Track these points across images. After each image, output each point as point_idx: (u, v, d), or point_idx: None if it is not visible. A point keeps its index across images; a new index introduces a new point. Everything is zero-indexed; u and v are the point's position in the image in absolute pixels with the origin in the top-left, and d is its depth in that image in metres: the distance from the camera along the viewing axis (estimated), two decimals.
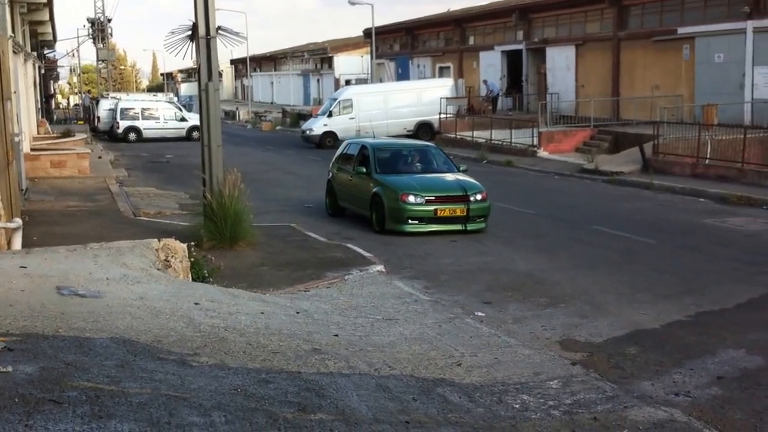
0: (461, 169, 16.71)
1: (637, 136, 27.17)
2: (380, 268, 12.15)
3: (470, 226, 15.19)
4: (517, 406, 6.84)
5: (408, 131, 37.61)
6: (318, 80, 70.43)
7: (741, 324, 9.52)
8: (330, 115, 37.64)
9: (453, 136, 35.17)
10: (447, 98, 38.06)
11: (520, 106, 40.82)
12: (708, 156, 23.45)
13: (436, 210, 15.05)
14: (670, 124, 25.85)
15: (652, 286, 11.36)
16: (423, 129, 37.67)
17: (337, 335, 8.49)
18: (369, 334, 8.74)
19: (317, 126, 37.81)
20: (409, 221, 15.01)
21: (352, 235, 15.35)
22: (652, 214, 17.90)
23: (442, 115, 37.42)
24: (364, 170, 16.20)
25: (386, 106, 37.48)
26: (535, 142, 30.40)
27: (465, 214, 15.10)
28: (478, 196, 15.29)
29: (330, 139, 37.00)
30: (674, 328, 9.37)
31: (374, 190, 15.66)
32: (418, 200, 15.06)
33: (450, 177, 16.16)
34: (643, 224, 16.46)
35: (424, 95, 38.28)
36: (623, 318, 9.73)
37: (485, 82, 42.02)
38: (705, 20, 30.43)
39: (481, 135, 33.38)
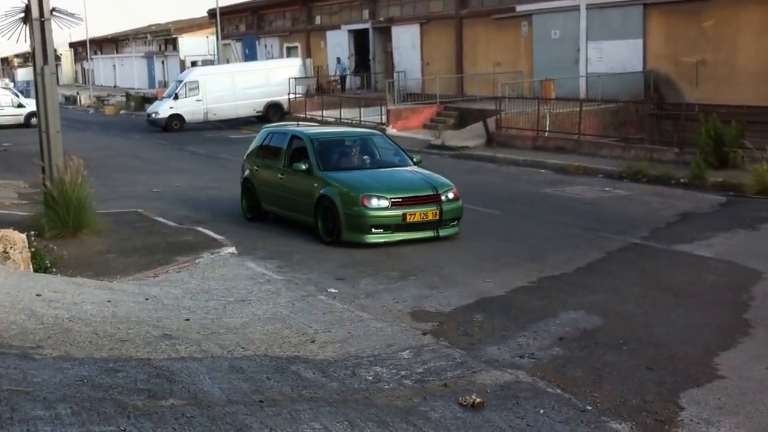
0: (415, 160, 14.20)
1: (481, 112, 27.94)
2: (232, 250, 12.03)
3: (443, 232, 12.69)
4: (371, 377, 6.98)
5: (258, 112, 37.36)
6: (163, 62, 68.49)
7: (580, 287, 10.04)
8: (176, 97, 36.78)
9: (303, 116, 35.03)
10: (296, 78, 37.90)
11: (368, 85, 41.18)
12: (547, 129, 24.45)
13: (404, 214, 12.38)
14: (512, 99, 26.74)
15: (498, 255, 11.79)
16: (273, 110, 37.41)
17: (188, 319, 8.38)
18: (221, 317, 8.68)
19: (163, 109, 36.90)
20: (373, 230, 12.38)
21: (203, 218, 15.11)
22: (497, 186, 18.52)
23: (292, 96, 37.27)
24: (304, 167, 13.25)
25: (234, 87, 36.96)
26: (384, 119, 30.77)
27: (438, 217, 12.55)
28: (450, 195, 12.76)
29: (177, 122, 36.36)
30: (518, 294, 9.77)
31: (321, 191, 12.83)
32: (383, 203, 12.35)
33: (410, 172, 13.56)
34: (489, 196, 17.00)
35: (273, 76, 37.97)
36: (471, 287, 10.05)
37: (338, 60, 42.14)
38: None
39: (330, 114, 33.45)
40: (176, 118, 36.46)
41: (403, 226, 12.45)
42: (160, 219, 14.68)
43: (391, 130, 30.29)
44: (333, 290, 10.03)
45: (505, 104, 26.25)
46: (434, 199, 12.60)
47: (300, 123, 18.04)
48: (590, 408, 6.39)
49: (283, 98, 37.45)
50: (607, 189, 17.56)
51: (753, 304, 9.16)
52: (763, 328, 8.29)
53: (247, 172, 15.30)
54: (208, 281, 10.39)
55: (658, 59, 27.03)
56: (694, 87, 25.48)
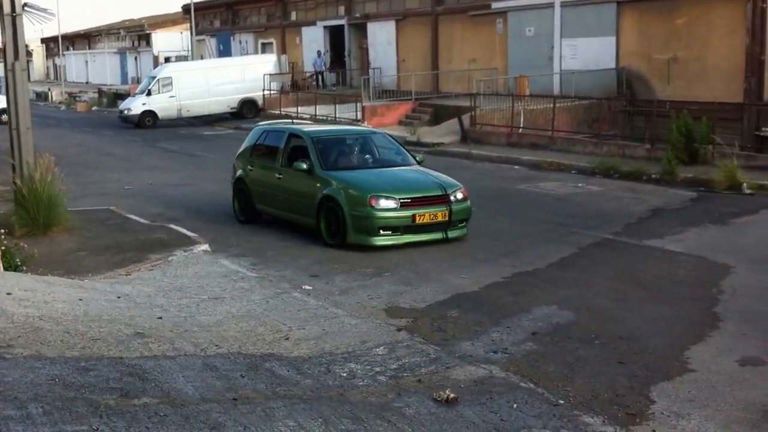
0: (418, 159, 13.70)
1: (456, 108, 28.01)
2: (205, 247, 11.97)
3: (452, 234, 12.23)
4: (345, 374, 6.99)
5: (232, 109, 37.26)
6: (136, 58, 68.05)
7: (553, 282, 10.10)
8: (149, 93, 36.54)
9: (277, 112, 34.96)
10: (271, 74, 37.78)
11: (344, 81, 41.13)
12: (521, 125, 24.56)
13: (414, 216, 11.88)
14: (486, 96, 26.83)
15: (472, 251, 11.83)
16: (247, 106, 37.34)
17: (161, 318, 8.35)
18: (194, 315, 8.65)
19: (135, 105, 36.64)
20: (381, 232, 11.88)
21: (176, 215, 15.02)
22: (472, 183, 18.42)
23: (266, 92, 37.15)
24: (305, 166, 12.69)
25: (208, 83, 36.78)
26: (359, 116, 30.76)
27: (447, 218, 12.07)
28: (459, 195, 12.32)
29: (149, 118, 36.14)
30: (492, 289, 9.81)
31: (324, 192, 12.29)
32: (391, 204, 11.83)
33: (416, 171, 13.06)
34: None
35: (248, 72, 37.81)
36: (445, 283, 10.08)
37: (319, 53, 42.09)
38: None
39: (305, 111, 33.37)
40: (149, 114, 36.24)
41: (411, 227, 11.95)
42: (132, 216, 14.57)
43: (366, 127, 30.29)
44: (307, 287, 10.02)
45: (480, 101, 26.33)
46: (443, 200, 12.13)
47: (294, 121, 17.25)
48: (562, 402, 6.45)
49: (257, 94, 37.33)
50: (580, 185, 17.67)
51: (722, 298, 9.27)
52: (733, 322, 8.39)
53: (239, 172, 14.53)
54: (181, 279, 10.34)
55: (630, 56, 27.24)
56: (666, 84, 25.72)
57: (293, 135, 13.68)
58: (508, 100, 25.29)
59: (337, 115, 31.48)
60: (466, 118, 26.09)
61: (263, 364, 7.12)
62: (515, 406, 6.35)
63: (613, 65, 27.66)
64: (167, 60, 55.18)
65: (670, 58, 25.66)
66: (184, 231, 13.11)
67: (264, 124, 15.82)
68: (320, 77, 41.36)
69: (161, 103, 36.29)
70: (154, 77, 37.74)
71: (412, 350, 7.66)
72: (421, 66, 35.84)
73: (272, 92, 37.22)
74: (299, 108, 33.96)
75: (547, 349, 7.72)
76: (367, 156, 13.50)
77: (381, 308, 9.14)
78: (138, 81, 54.51)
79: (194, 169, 22.03)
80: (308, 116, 32.50)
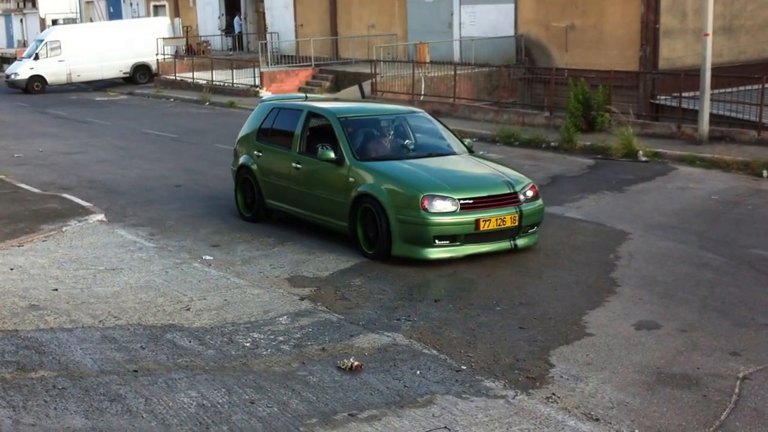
0: (466, 144, 11.27)
1: (356, 75, 27.89)
2: (101, 217, 11.64)
3: (521, 242, 9.86)
4: (248, 344, 6.94)
5: (124, 73, 36.29)
6: (22, 20, 65.18)
7: None
8: (37, 57, 35.14)
9: (172, 77, 34.15)
10: (164, 38, 36.77)
11: (241, 46, 40.44)
12: (422, 92, 24.63)
13: (477, 221, 9.45)
14: (387, 62, 26.79)
15: None
16: (140, 71, 36.40)
17: (56, 289, 8.12)
18: (91, 286, 8.44)
19: (23, 70, 35.22)
20: (436, 242, 9.46)
21: (69, 184, 14.54)
22: None
23: (160, 56, 36.15)
24: (333, 155, 10.27)
25: (99, 47, 35.55)
26: (258, 82, 30.31)
27: (517, 223, 9.68)
28: (529, 193, 9.97)
29: (38, 83, 34.87)
30: (395, 258, 9.77)
31: (361, 189, 9.88)
32: (449, 206, 9.42)
33: (472, 162, 10.71)
34: None
35: (140, 35, 36.68)
36: (349, 252, 10.04)
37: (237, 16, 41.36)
38: None
39: (201, 76, 32.69)
40: (37, 79, 34.92)
41: (473, 236, 9.53)
42: (24, 185, 14.06)
43: (265, 93, 29.86)
44: (208, 257, 9.85)
45: (381, 67, 26.28)
46: (512, 200, 9.76)
47: (308, 96, 14.07)
48: (465, 367, 6.55)
49: (151, 59, 36.30)
50: (481, 152, 17.78)
51: (619, 263, 9.54)
52: (629, 287, 8.66)
53: (243, 159, 11.91)
54: (76, 250, 10.04)
55: (529, 24, 27.58)
56: (564, 52, 26.15)
57: (313, 114, 11.20)
58: (408, 67, 25.29)
59: (235, 81, 30.97)
60: (366, 85, 26.01)
61: (164, 336, 7.00)
62: (419, 372, 6.42)
63: (512, 33, 27.95)
64: (54, 23, 52.99)
65: (567, 26, 26.08)
66: (78, 200, 12.73)
67: (270, 99, 13.21)
68: (239, 39, 40.53)
69: (50, 68, 34.99)
70: (41, 40, 36.32)
71: (316, 319, 7.65)
72: (320, 31, 35.48)
73: (166, 57, 36.25)
74: (195, 73, 33.25)
75: (449, 315, 7.82)
76: (407, 141, 11.08)
77: (284, 278, 9.07)
78: (25, 44, 52.38)
79: (86, 136, 21.32)
80: (204, 82, 31.90)
